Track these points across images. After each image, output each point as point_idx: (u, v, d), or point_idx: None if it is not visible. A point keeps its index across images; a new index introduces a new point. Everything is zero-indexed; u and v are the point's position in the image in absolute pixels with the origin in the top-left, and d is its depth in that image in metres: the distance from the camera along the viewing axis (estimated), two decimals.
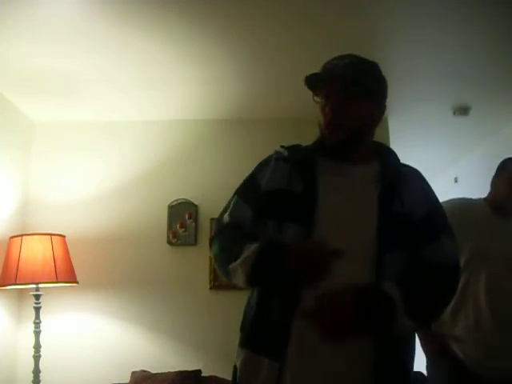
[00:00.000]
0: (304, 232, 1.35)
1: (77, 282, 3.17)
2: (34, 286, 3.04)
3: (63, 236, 3.21)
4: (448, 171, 5.04)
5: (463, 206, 2.41)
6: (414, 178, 1.48)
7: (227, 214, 1.53)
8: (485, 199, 2.48)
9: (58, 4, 2.39)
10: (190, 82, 3.25)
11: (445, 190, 5.16)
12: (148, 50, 2.86)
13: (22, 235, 3.08)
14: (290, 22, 2.64)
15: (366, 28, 2.70)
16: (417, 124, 4.00)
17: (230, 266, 1.42)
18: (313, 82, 1.50)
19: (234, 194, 1.57)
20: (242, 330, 1.46)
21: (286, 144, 1.59)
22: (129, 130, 3.77)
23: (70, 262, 3.16)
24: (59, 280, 3.01)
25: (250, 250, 1.38)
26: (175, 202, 3.59)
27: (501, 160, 2.53)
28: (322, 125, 1.46)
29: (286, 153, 1.52)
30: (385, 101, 1.51)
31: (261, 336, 1.37)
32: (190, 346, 3.40)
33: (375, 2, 2.48)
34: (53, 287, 3.18)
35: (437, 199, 1.50)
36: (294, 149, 1.53)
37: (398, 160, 1.52)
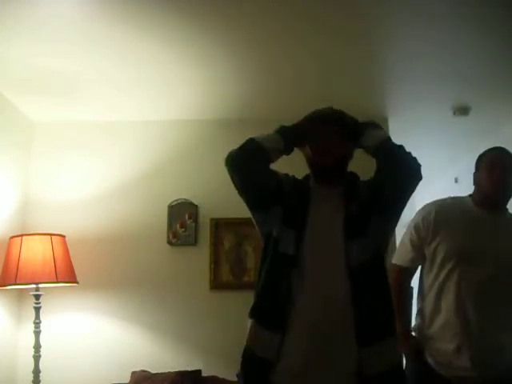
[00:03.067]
0: (297, 235, 1.77)
1: (77, 282, 3.17)
2: (34, 286, 3.04)
3: (63, 236, 3.21)
4: (448, 171, 5.03)
5: (440, 207, 2.37)
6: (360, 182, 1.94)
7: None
8: (470, 195, 2.41)
9: (58, 4, 2.39)
10: (190, 82, 3.25)
11: (445, 190, 5.15)
12: (148, 49, 2.86)
13: (21, 235, 3.08)
14: (290, 22, 2.63)
15: (367, 28, 2.70)
16: (417, 124, 4.00)
17: (259, 139, 1.89)
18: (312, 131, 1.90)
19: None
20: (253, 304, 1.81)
21: None
22: (129, 130, 3.76)
23: (70, 262, 3.16)
24: (59, 280, 3.01)
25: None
26: (175, 202, 3.59)
27: None
28: (320, 159, 1.87)
29: (291, 177, 1.98)
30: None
31: (266, 309, 1.76)
32: (190, 346, 3.40)
33: (375, 2, 2.48)
34: (53, 287, 3.18)
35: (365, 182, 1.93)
36: (294, 177, 1.98)
37: (358, 178, 1.96)
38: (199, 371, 3.14)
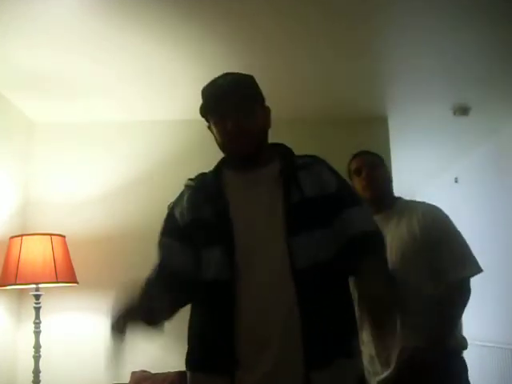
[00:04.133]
0: (228, 251, 1.43)
1: (77, 282, 3.17)
2: (34, 285, 3.04)
3: (63, 236, 3.21)
4: (448, 171, 5.03)
5: None
6: (312, 165, 1.55)
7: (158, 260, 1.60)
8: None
9: (58, 6, 2.39)
10: (191, 82, 3.25)
11: (445, 190, 5.18)
12: (148, 50, 2.86)
13: (22, 235, 3.07)
14: (291, 23, 2.64)
15: (367, 29, 2.70)
16: (417, 124, 4.00)
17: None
18: (208, 107, 1.58)
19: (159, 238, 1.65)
20: (188, 354, 1.53)
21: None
22: (129, 130, 3.76)
23: (70, 261, 3.16)
24: (59, 280, 3.01)
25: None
26: None
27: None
28: (225, 143, 1.53)
29: (194, 183, 1.62)
30: (265, 103, 1.61)
31: (209, 359, 1.44)
32: None
33: (375, 3, 2.48)
34: (53, 287, 3.18)
35: (338, 177, 1.57)
36: (201, 177, 1.63)
37: (294, 155, 1.59)
38: None
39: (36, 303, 3.08)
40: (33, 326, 3.07)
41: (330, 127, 3.75)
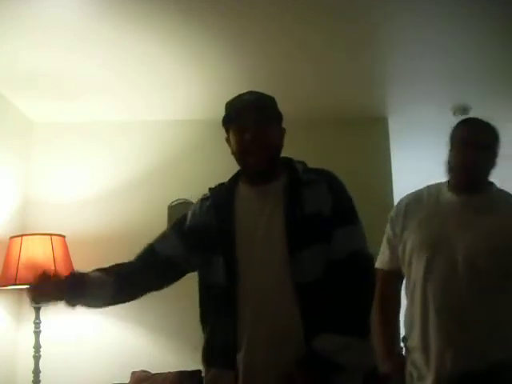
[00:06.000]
0: (229, 260, 1.53)
1: None
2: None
3: (63, 236, 3.21)
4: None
5: (413, 196, 2.09)
6: (315, 182, 1.59)
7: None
8: (448, 181, 2.09)
9: (58, 6, 2.39)
10: (189, 83, 3.25)
11: None
12: (148, 51, 2.86)
13: (22, 235, 3.08)
14: (291, 23, 2.64)
15: (367, 29, 2.70)
16: (417, 124, 4.00)
17: None
18: (230, 117, 1.64)
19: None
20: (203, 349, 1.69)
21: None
22: (128, 130, 3.76)
23: (70, 261, 3.16)
24: None
25: None
26: (175, 202, 3.59)
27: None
28: (241, 154, 1.60)
29: (208, 193, 1.72)
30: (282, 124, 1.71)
31: (217, 355, 1.59)
32: (190, 346, 3.39)
33: (375, 3, 2.48)
34: None
35: (342, 196, 1.60)
36: (219, 187, 1.73)
37: (297, 170, 1.64)
38: (199, 371, 3.13)
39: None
40: (33, 325, 3.07)
41: (330, 127, 3.75)
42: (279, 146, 1.64)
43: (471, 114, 3.73)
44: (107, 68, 3.05)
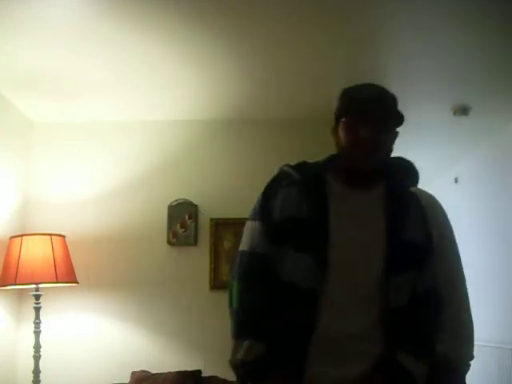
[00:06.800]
0: (319, 261, 1.38)
1: (77, 282, 3.17)
2: (34, 286, 3.04)
3: (63, 236, 3.21)
4: (448, 171, 5.03)
5: None
6: (421, 206, 1.52)
7: (248, 245, 1.51)
8: None
9: (58, 6, 2.39)
10: (189, 83, 3.25)
11: (445, 190, 5.17)
12: (148, 51, 2.86)
13: (22, 235, 3.08)
14: (291, 23, 2.64)
15: (367, 28, 2.70)
16: (417, 124, 4.00)
17: (234, 340, 1.59)
18: (349, 109, 1.47)
19: (250, 220, 1.53)
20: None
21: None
22: (128, 130, 3.76)
23: (70, 261, 3.16)
24: (59, 280, 3.01)
25: (250, 355, 1.50)
26: (175, 202, 3.59)
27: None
28: (350, 150, 1.45)
29: (296, 176, 1.49)
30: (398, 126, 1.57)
31: (280, 357, 1.42)
32: (190, 346, 3.40)
33: (376, 3, 2.48)
34: (53, 287, 3.18)
35: (440, 223, 1.58)
36: (303, 171, 1.50)
37: (400, 180, 1.55)
38: (199, 371, 3.14)
39: (36, 303, 3.08)
40: (33, 325, 3.07)
41: (330, 127, 3.73)
42: (390, 150, 1.52)
43: (471, 114, 3.73)
44: (107, 68, 3.05)
